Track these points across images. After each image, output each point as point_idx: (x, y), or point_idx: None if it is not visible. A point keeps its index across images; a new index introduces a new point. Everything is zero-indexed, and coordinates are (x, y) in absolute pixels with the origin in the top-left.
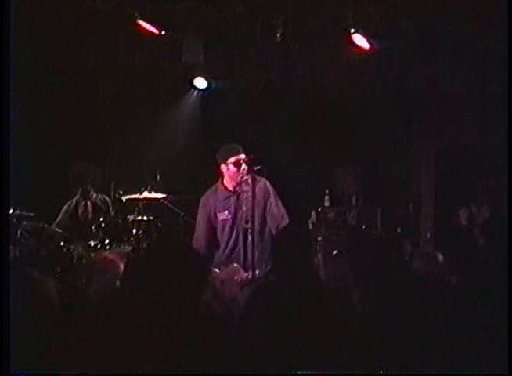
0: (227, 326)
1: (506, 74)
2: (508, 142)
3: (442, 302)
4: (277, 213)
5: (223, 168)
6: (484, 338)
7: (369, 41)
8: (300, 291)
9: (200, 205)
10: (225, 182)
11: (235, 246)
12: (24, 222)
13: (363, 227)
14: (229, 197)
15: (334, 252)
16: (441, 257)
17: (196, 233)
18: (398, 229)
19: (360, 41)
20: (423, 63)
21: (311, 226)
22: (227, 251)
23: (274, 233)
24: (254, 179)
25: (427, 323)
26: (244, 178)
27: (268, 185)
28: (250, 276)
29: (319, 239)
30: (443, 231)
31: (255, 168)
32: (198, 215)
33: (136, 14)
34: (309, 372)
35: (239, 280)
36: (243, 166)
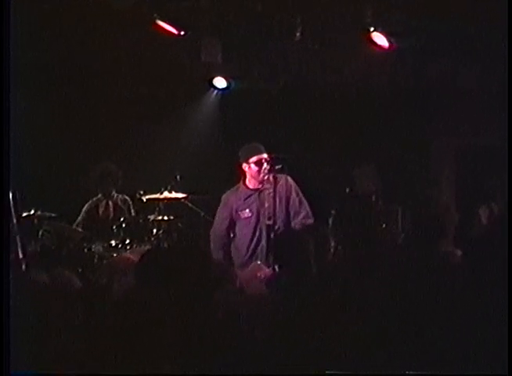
0: (251, 324)
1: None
2: (508, 141)
3: (455, 302)
4: (299, 210)
5: (245, 166)
6: (485, 338)
7: (388, 40)
8: (320, 287)
9: (221, 204)
10: (246, 181)
11: (258, 243)
12: (45, 222)
13: (383, 226)
14: (251, 195)
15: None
16: (461, 256)
17: (213, 230)
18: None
19: (379, 39)
20: (442, 62)
21: (331, 224)
22: (250, 248)
23: (297, 228)
24: (275, 177)
25: (432, 322)
26: (266, 178)
27: (290, 181)
28: (272, 273)
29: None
30: (463, 230)
31: (276, 167)
32: (218, 213)
33: (155, 14)
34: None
35: (262, 277)
36: (265, 165)
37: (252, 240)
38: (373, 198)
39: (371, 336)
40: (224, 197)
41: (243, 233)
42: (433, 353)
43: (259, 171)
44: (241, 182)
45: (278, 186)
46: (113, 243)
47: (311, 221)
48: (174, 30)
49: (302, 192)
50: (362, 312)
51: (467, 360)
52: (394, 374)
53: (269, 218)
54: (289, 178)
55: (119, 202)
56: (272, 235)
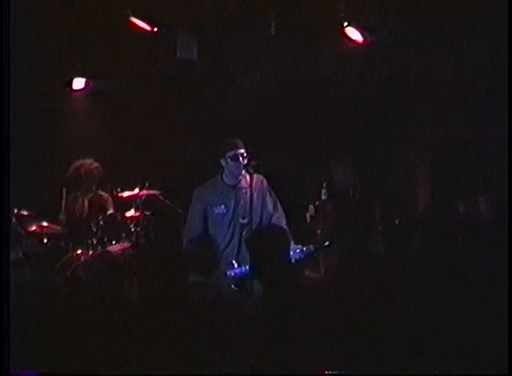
0: (224, 319)
1: (507, 72)
2: (508, 139)
3: (439, 300)
4: (273, 212)
5: (222, 161)
6: (484, 337)
7: (362, 34)
8: (296, 285)
9: (194, 197)
10: (224, 177)
11: (230, 241)
12: (24, 221)
13: (361, 220)
14: (227, 191)
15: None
16: (438, 250)
17: (188, 225)
18: (396, 222)
19: (353, 34)
20: (416, 57)
21: (309, 219)
22: (222, 246)
23: (270, 229)
24: (251, 175)
25: (424, 322)
26: (242, 173)
27: (266, 183)
28: (243, 271)
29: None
30: (440, 224)
31: (252, 163)
32: (191, 208)
33: (128, 11)
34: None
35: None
36: (241, 160)
37: (224, 237)
38: (351, 193)
39: (353, 336)
40: (197, 190)
41: (215, 229)
42: (432, 353)
43: (235, 166)
44: (218, 176)
45: (254, 184)
46: (91, 240)
47: (284, 222)
48: (147, 27)
49: (279, 187)
50: (343, 313)
51: (467, 360)
52: (395, 374)
53: (244, 217)
54: (264, 180)
55: (97, 199)
56: (244, 234)
